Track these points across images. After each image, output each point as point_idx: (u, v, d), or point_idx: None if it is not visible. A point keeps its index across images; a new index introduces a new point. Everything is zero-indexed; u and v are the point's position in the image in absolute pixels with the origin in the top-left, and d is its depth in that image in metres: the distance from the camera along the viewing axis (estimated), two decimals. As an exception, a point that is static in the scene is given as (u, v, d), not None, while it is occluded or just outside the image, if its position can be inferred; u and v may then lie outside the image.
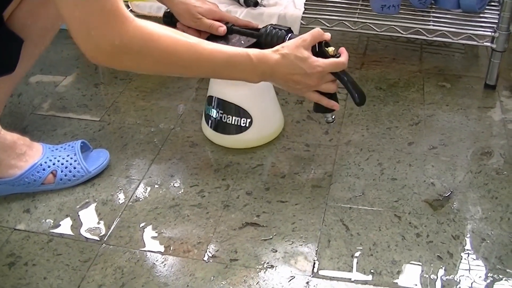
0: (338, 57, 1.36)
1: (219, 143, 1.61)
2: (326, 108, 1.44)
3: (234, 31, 1.51)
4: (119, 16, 1.07)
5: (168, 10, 1.57)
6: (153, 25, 1.13)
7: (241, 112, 1.55)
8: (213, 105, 1.58)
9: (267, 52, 1.30)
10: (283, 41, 1.41)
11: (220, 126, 1.58)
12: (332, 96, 1.41)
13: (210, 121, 1.60)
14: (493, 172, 1.51)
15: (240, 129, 1.56)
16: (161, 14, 1.83)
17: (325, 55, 1.35)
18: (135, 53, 1.11)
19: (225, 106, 1.56)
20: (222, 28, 1.50)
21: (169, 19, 1.58)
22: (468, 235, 1.32)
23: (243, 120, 1.55)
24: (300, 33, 1.74)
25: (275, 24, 1.47)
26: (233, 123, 1.56)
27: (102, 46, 1.07)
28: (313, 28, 1.76)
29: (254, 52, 1.28)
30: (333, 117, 1.49)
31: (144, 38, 1.11)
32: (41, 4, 1.27)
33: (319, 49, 1.35)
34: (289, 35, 1.43)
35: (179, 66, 1.20)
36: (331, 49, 1.36)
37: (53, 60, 2.04)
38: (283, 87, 1.38)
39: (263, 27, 1.47)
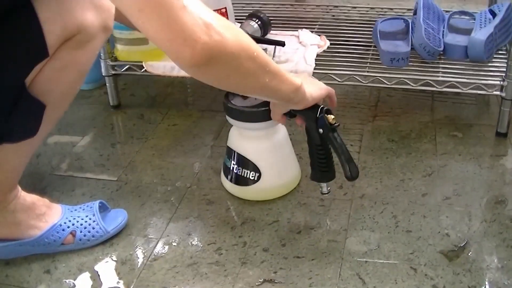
0: (337, 126, 1.39)
1: (233, 193, 1.65)
2: (322, 177, 1.47)
3: None
4: (207, 27, 1.05)
5: None
6: (238, 33, 1.14)
7: (251, 165, 1.59)
8: (229, 156, 1.63)
9: None
10: None
11: (235, 178, 1.62)
12: (328, 163, 1.45)
13: (228, 173, 1.65)
14: (508, 221, 1.51)
15: (251, 182, 1.60)
16: (175, 73, 1.88)
17: (324, 121, 1.38)
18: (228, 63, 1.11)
19: (238, 158, 1.60)
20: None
21: None
22: (485, 285, 1.32)
23: (252, 174, 1.59)
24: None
25: None
26: (243, 175, 1.60)
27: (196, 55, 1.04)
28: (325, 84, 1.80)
29: None
30: (328, 188, 1.50)
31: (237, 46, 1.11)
32: (62, 69, 1.30)
33: (319, 115, 1.39)
34: None
35: (258, 76, 1.19)
36: (331, 117, 1.39)
37: (70, 120, 2.08)
38: (316, 90, 1.40)
39: None
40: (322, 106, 1.39)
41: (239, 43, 1.11)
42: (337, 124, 1.38)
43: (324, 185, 1.49)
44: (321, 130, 1.39)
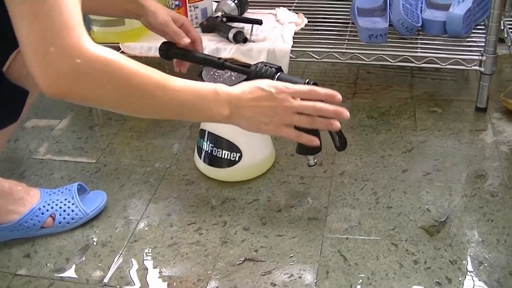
0: None
1: (211, 176, 1.63)
2: (308, 149, 1.41)
3: (225, 67, 1.52)
4: (81, 33, 0.98)
5: (164, 41, 1.58)
6: (114, 52, 1.05)
7: (231, 146, 1.57)
8: (204, 138, 1.61)
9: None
10: (272, 79, 1.39)
11: (211, 160, 1.61)
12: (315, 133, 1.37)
13: (202, 154, 1.63)
14: (488, 195, 1.52)
15: (231, 163, 1.59)
16: (151, 54, 1.86)
17: None
18: (97, 76, 1.00)
19: (216, 140, 1.58)
20: (187, 40, 1.53)
21: (165, 53, 1.59)
22: (466, 259, 1.33)
23: (233, 154, 1.58)
24: (290, 66, 1.77)
25: (267, 62, 1.46)
26: (223, 157, 1.59)
27: (62, 66, 0.96)
28: (303, 61, 1.79)
29: (221, 86, 1.20)
30: (315, 160, 1.47)
31: (107, 60, 1.01)
32: None
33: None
34: (279, 73, 1.40)
35: (142, 93, 1.08)
36: None
37: (48, 104, 2.06)
38: (253, 125, 1.24)
39: (253, 64, 1.47)
40: (307, 80, 1.37)
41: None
42: None
43: (311, 157, 1.47)
44: None
